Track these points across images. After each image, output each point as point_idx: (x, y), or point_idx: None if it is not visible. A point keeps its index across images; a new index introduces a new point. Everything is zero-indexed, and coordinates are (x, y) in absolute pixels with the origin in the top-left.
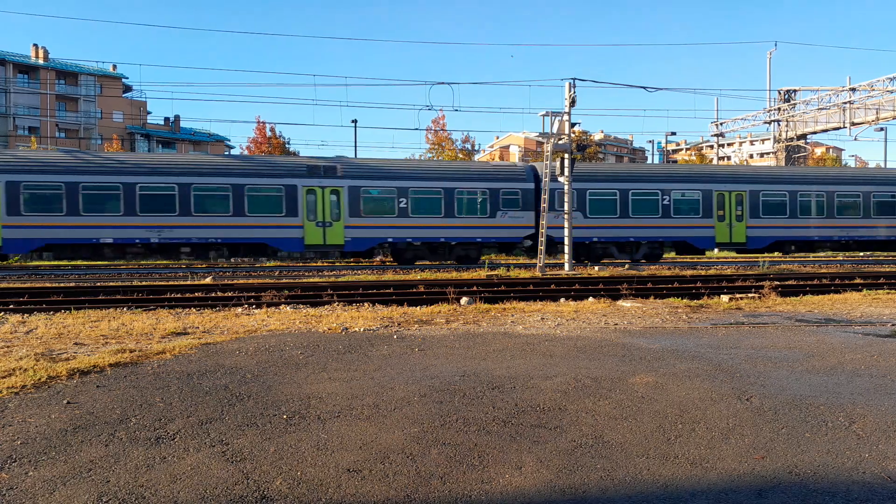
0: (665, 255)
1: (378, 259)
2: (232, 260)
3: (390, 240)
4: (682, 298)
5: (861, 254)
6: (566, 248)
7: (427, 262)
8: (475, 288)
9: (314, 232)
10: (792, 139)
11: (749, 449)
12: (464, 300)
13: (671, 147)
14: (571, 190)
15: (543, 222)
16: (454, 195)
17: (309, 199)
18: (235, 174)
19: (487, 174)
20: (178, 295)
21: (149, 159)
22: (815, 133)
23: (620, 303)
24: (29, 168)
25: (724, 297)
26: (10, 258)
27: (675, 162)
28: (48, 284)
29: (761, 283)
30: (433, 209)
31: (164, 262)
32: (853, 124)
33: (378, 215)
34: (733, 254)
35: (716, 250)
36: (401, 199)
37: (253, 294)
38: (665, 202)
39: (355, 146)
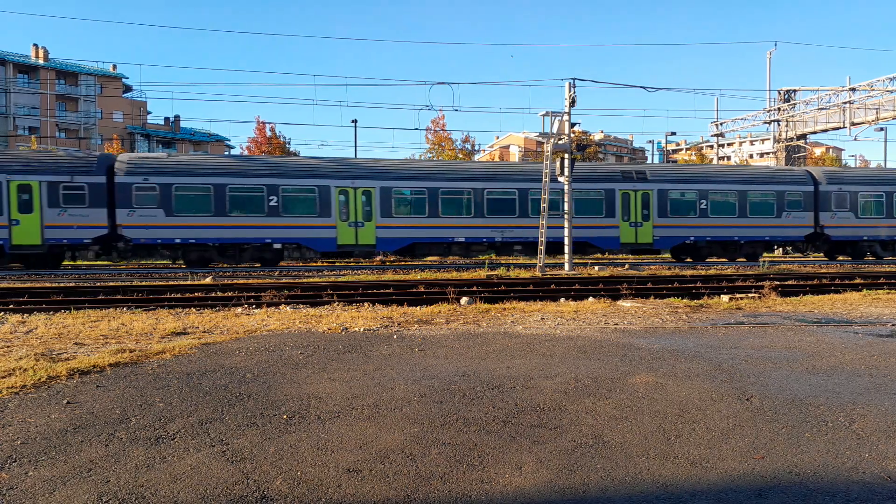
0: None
1: (378, 259)
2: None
3: (692, 238)
4: (682, 298)
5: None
6: (566, 248)
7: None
8: (475, 288)
9: (628, 231)
10: (792, 139)
11: (749, 449)
12: (464, 300)
13: (671, 147)
14: (571, 190)
15: (543, 222)
16: (747, 197)
17: (623, 202)
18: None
19: (775, 178)
20: (178, 295)
21: (493, 167)
22: (815, 133)
23: (620, 303)
24: (395, 175)
25: (725, 297)
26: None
27: (675, 162)
28: (48, 284)
29: (761, 283)
30: (728, 210)
31: (164, 262)
32: (853, 124)
33: (682, 216)
34: None
35: None
36: (701, 201)
37: (253, 294)
38: None
39: (355, 146)
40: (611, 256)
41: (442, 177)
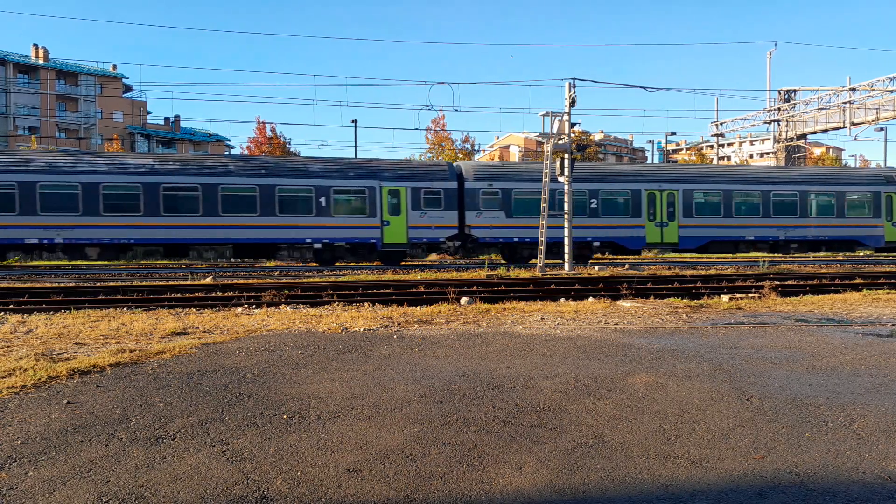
0: (666, 255)
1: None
2: (232, 260)
3: None
4: (682, 298)
5: (861, 253)
6: (566, 248)
7: (418, 263)
8: (475, 288)
9: (891, 231)
10: (792, 139)
11: (749, 449)
12: (464, 300)
13: (671, 147)
14: (572, 190)
15: (543, 222)
16: None
17: (887, 203)
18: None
19: None
20: (178, 295)
21: (778, 172)
22: (815, 133)
23: (620, 303)
24: (694, 179)
25: (725, 297)
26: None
27: (676, 162)
28: (48, 284)
29: (761, 283)
30: None
31: (165, 262)
32: (853, 124)
33: None
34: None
35: None
36: None
37: (253, 294)
38: None
39: (355, 146)
40: (610, 257)
41: (734, 180)
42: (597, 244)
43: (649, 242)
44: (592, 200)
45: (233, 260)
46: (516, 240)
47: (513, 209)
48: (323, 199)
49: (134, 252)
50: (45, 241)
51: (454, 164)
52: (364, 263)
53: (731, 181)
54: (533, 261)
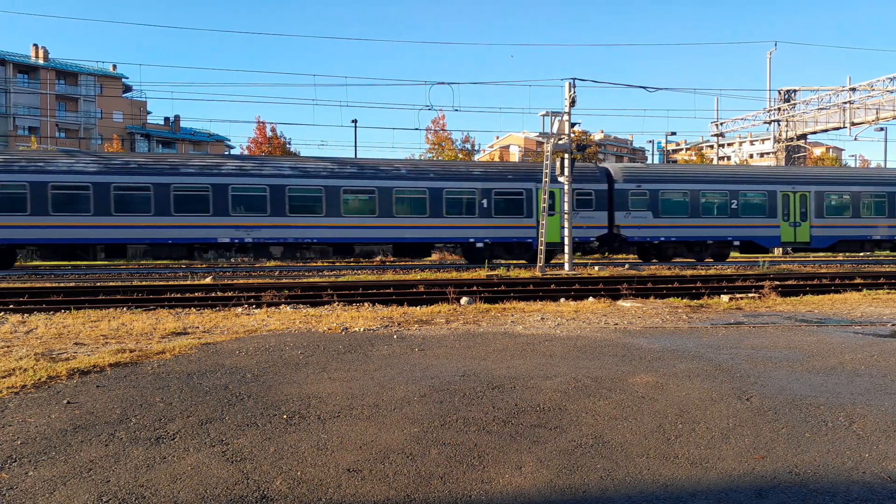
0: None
1: (378, 259)
2: (232, 260)
3: None
4: (682, 298)
5: (861, 253)
6: (566, 248)
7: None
8: (475, 288)
9: None
10: (792, 139)
11: (749, 449)
12: (464, 300)
13: (671, 147)
14: (571, 189)
15: (543, 222)
16: None
17: None
18: None
19: None
20: (178, 295)
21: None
22: (815, 133)
23: (620, 303)
24: (826, 180)
25: (725, 297)
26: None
27: (675, 162)
28: (48, 284)
29: (761, 283)
30: None
31: (164, 262)
32: (853, 124)
33: None
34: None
35: None
36: None
37: (253, 294)
38: None
39: (355, 146)
40: (611, 257)
41: (861, 182)
42: (736, 243)
43: (784, 241)
44: (733, 201)
45: (232, 260)
46: (662, 238)
47: (660, 209)
48: (485, 201)
49: (311, 251)
50: (236, 241)
51: (603, 167)
52: (364, 262)
53: (858, 183)
54: (677, 259)
